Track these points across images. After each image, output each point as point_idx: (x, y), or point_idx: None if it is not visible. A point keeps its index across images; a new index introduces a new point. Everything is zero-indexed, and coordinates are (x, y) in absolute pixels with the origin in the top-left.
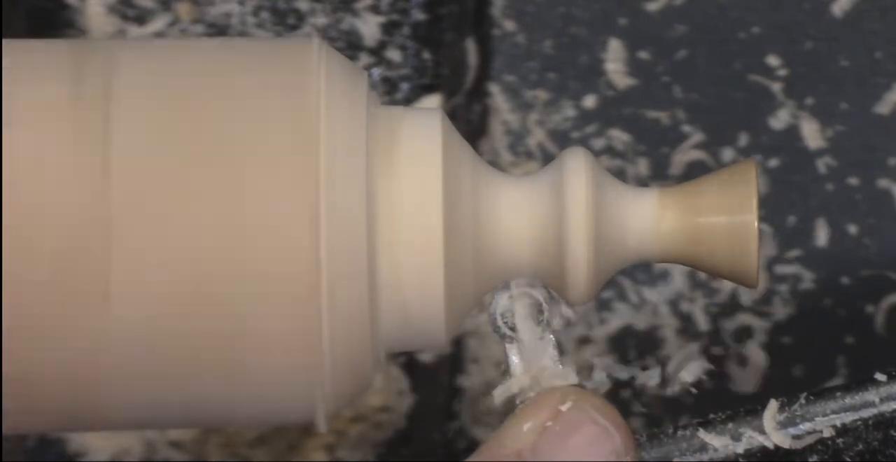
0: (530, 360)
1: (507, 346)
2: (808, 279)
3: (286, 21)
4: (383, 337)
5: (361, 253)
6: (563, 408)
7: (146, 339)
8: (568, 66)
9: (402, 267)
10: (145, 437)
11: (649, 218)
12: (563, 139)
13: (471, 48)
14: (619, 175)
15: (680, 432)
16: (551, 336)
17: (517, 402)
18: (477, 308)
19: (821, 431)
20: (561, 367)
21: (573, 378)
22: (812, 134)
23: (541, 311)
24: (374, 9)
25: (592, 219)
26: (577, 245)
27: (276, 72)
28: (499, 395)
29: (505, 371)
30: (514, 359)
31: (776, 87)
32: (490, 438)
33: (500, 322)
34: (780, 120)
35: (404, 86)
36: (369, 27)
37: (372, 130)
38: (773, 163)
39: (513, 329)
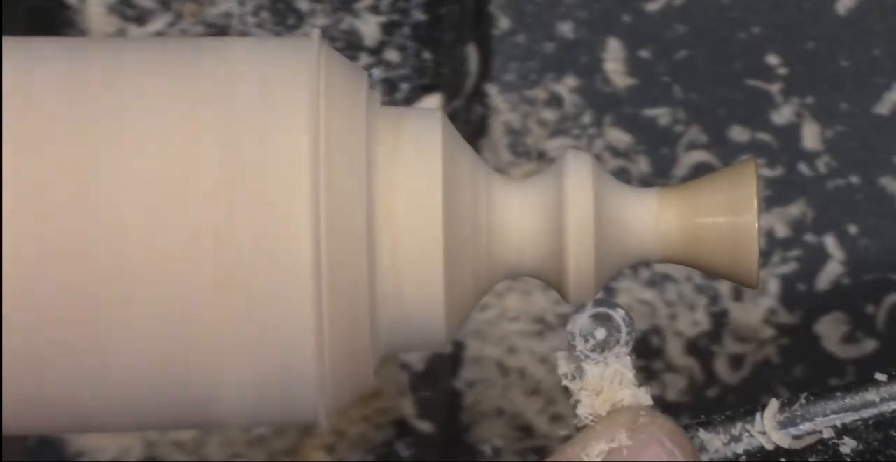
0: (608, 381)
1: (584, 365)
2: (808, 279)
3: (286, 21)
4: (383, 337)
5: (361, 253)
6: (634, 428)
7: (146, 338)
8: (568, 66)
9: (402, 267)
10: (146, 437)
11: (650, 218)
12: (563, 139)
13: (471, 48)
14: (619, 175)
15: None
16: (628, 356)
17: (590, 418)
18: (477, 308)
19: (821, 432)
20: (636, 387)
21: (647, 400)
22: (812, 134)
23: (619, 333)
24: (374, 9)
25: (593, 219)
26: (578, 245)
27: (275, 72)
28: (581, 413)
29: (583, 389)
30: (592, 379)
31: (776, 87)
32: (557, 451)
33: (579, 341)
34: (780, 120)
35: (404, 86)
36: (369, 27)
37: (372, 130)
38: (774, 163)
39: (592, 349)
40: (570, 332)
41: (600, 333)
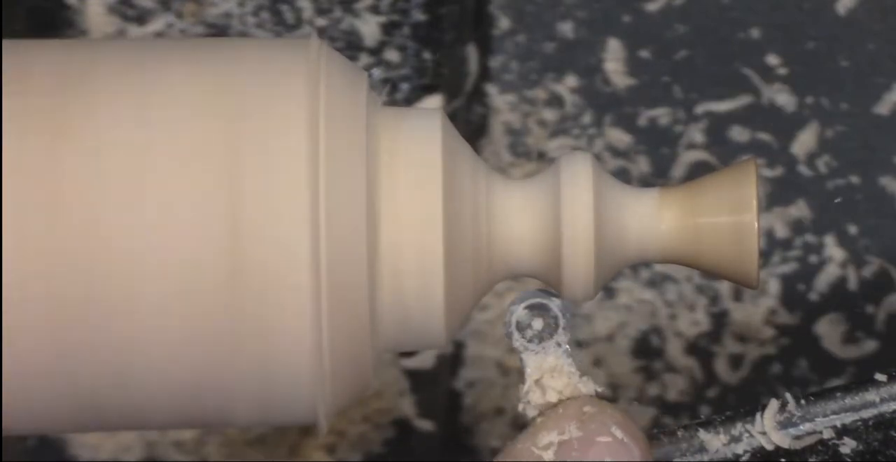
0: (548, 371)
1: (524, 356)
2: (808, 279)
3: (286, 21)
4: (383, 337)
5: (361, 253)
6: (583, 419)
7: (148, 339)
8: (568, 66)
9: (402, 267)
10: (145, 437)
11: (650, 218)
12: (563, 139)
13: (471, 48)
14: (619, 175)
15: (680, 432)
16: (567, 346)
17: (536, 412)
18: (477, 308)
19: (821, 432)
20: (580, 377)
21: (590, 388)
22: (812, 134)
23: (557, 322)
24: (374, 9)
25: (593, 219)
26: (578, 245)
27: (275, 72)
28: (521, 405)
29: (523, 381)
30: (532, 370)
31: (776, 87)
32: (506, 446)
33: (516, 333)
34: (779, 120)
35: (404, 86)
36: (369, 27)
37: (372, 131)
38: (773, 163)
39: (530, 340)
40: (508, 325)
41: (537, 324)
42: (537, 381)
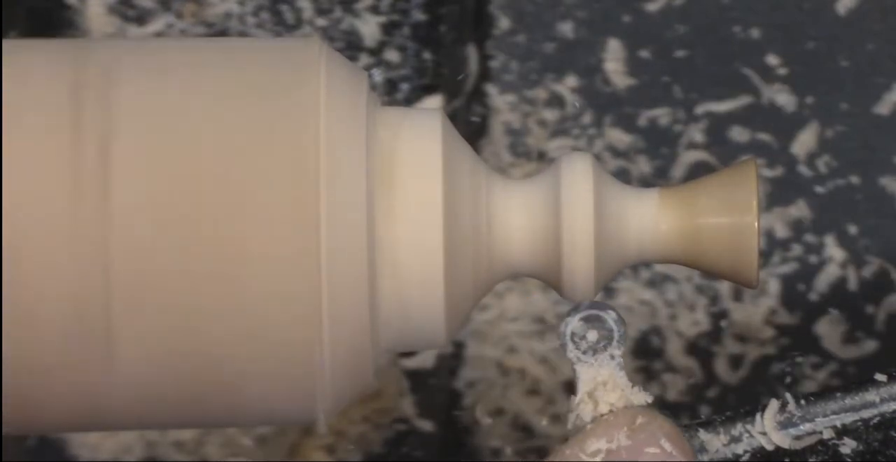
0: (601, 384)
1: (577, 368)
2: (808, 279)
3: (286, 21)
4: (383, 337)
5: (361, 253)
6: (633, 429)
7: (149, 338)
8: (568, 66)
9: (402, 267)
10: (146, 437)
11: (650, 218)
12: (563, 139)
13: (471, 48)
14: (619, 175)
15: None
16: (620, 358)
17: (587, 421)
18: (477, 308)
19: (821, 432)
20: (630, 387)
21: (641, 399)
22: (812, 134)
23: (611, 335)
24: (374, 9)
25: (592, 219)
26: (578, 246)
27: (276, 73)
28: (572, 416)
29: (575, 393)
30: (585, 382)
31: (776, 87)
32: (556, 451)
33: (570, 344)
34: (779, 120)
35: (404, 86)
36: (369, 27)
37: (372, 131)
38: (773, 163)
39: (585, 352)
40: (562, 335)
41: (592, 335)
42: (590, 394)
